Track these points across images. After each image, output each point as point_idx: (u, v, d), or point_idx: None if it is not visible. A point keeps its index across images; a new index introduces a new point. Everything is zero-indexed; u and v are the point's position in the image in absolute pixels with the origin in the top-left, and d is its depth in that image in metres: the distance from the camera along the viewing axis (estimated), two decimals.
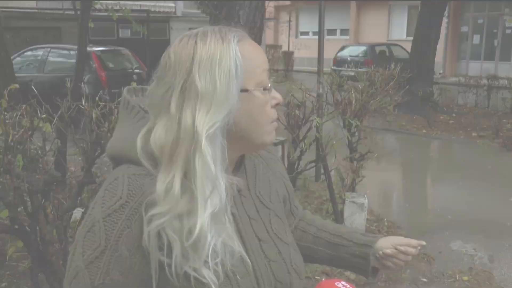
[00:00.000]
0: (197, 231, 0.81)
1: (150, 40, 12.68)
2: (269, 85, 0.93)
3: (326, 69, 7.05)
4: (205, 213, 0.82)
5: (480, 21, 17.57)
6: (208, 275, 0.84)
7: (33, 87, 3.95)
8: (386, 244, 1.13)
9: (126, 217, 0.83)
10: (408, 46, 14.41)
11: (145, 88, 1.00)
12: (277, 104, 0.95)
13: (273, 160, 1.13)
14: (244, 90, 0.88)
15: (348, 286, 1.02)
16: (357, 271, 1.19)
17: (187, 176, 0.82)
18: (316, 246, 1.20)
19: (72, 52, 9.07)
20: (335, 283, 1.02)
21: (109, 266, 0.83)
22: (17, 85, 2.76)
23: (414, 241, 1.12)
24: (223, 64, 0.86)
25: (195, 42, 0.88)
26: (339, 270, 3.58)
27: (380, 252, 1.13)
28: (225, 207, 0.86)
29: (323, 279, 3.44)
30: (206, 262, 0.84)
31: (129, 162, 0.89)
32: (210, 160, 0.82)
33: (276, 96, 0.95)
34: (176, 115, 0.84)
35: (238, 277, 0.89)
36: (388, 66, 5.43)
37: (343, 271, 3.59)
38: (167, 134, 0.84)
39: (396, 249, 1.11)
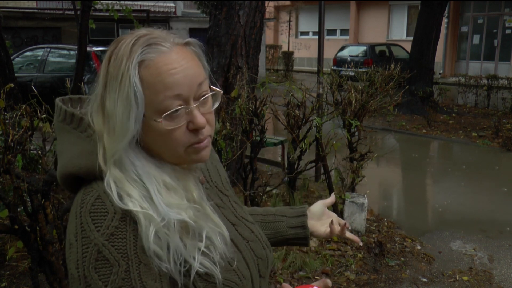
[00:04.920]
0: (175, 222, 0.81)
1: None
2: (181, 109, 0.83)
3: (326, 69, 7.05)
4: (167, 211, 0.81)
5: (480, 21, 17.57)
6: (209, 265, 0.84)
7: (33, 87, 3.94)
8: (317, 208, 1.25)
9: (131, 228, 0.78)
10: (408, 46, 14.42)
11: (83, 98, 0.95)
12: (196, 130, 0.85)
13: (211, 149, 1.15)
14: (144, 117, 0.82)
15: None
16: (296, 242, 1.25)
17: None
18: None
19: (72, 52, 9.08)
20: None
21: (142, 279, 0.77)
22: (12, 85, 2.75)
23: (342, 222, 1.23)
24: (122, 88, 0.79)
25: (111, 54, 0.83)
26: (339, 270, 3.58)
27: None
28: (202, 198, 0.88)
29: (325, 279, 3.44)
30: (205, 253, 0.84)
31: (98, 178, 0.83)
32: (129, 180, 0.81)
33: (195, 121, 0.84)
34: (102, 130, 0.83)
35: (236, 263, 0.91)
36: (388, 66, 5.42)
37: (344, 271, 3.59)
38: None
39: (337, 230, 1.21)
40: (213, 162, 1.11)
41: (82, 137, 0.86)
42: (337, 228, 1.19)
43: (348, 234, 1.22)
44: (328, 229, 1.21)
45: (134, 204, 0.79)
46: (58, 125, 0.89)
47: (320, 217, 1.25)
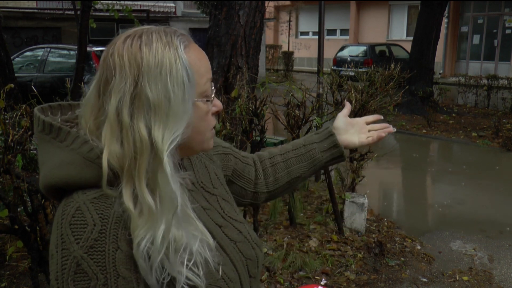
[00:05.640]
0: (173, 238, 0.80)
1: None
2: (212, 95, 0.91)
3: (326, 69, 7.05)
4: (170, 218, 0.80)
5: (480, 21, 17.57)
6: (192, 277, 0.82)
7: (33, 87, 3.95)
8: (340, 122, 1.29)
9: (111, 241, 0.77)
10: (408, 46, 14.42)
11: (63, 104, 0.93)
12: (217, 112, 0.93)
13: None
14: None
15: None
16: (333, 162, 1.31)
17: (148, 187, 0.79)
18: (291, 167, 1.27)
19: (72, 52, 9.09)
20: None
21: None
22: (12, 85, 2.76)
23: (370, 118, 1.32)
24: (174, 73, 0.81)
25: (140, 46, 0.82)
26: (339, 270, 3.58)
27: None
28: (186, 205, 0.86)
29: (324, 281, 3.44)
30: (187, 266, 0.82)
31: (78, 188, 0.81)
32: (171, 175, 0.80)
33: (217, 103, 0.93)
34: (130, 125, 0.79)
35: (221, 267, 0.90)
36: (388, 66, 5.42)
37: (344, 271, 3.59)
38: (123, 147, 0.79)
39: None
40: (201, 159, 1.09)
41: (62, 147, 0.84)
42: (375, 134, 1.28)
43: (381, 134, 1.29)
44: (363, 137, 1.28)
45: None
46: (37, 135, 0.88)
47: (346, 130, 1.29)
